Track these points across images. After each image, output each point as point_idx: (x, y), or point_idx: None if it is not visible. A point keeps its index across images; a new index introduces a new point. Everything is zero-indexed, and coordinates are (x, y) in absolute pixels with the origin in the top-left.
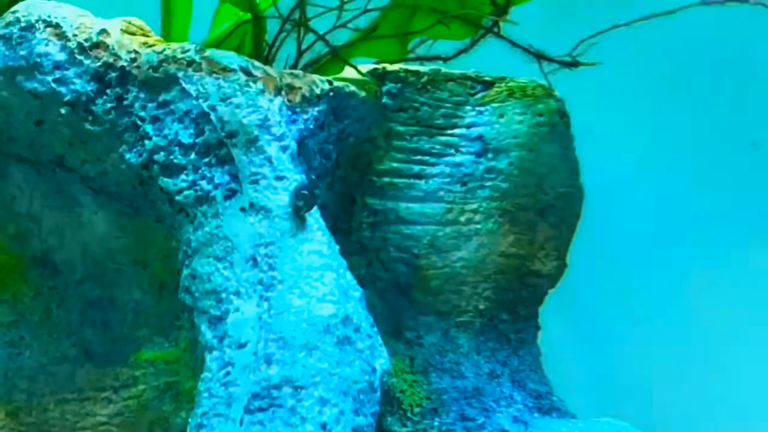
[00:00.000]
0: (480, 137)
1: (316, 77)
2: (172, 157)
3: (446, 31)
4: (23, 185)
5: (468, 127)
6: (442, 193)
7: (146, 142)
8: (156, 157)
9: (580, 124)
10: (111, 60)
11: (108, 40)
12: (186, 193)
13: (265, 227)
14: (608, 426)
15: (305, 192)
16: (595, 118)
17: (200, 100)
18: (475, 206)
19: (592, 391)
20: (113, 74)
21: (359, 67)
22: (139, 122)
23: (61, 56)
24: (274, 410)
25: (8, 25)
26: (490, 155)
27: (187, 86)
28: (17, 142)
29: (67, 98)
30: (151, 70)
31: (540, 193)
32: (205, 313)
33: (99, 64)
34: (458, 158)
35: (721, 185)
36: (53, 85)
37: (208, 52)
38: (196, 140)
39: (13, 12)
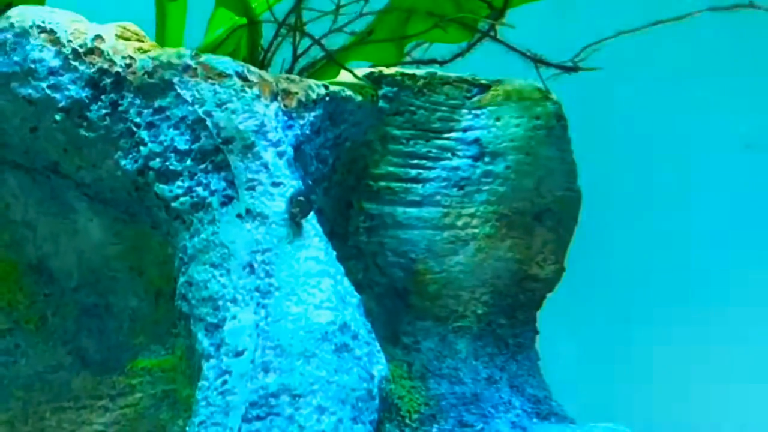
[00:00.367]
0: (477, 141)
1: (312, 82)
2: (167, 163)
3: (443, 35)
4: (18, 192)
5: (465, 130)
6: (439, 197)
7: (142, 148)
8: (152, 163)
9: (577, 126)
10: (106, 66)
11: (103, 46)
12: (182, 199)
13: (262, 234)
14: (607, 431)
15: (302, 198)
16: (593, 120)
17: (196, 106)
18: (472, 210)
19: (591, 396)
20: (108, 80)
21: (355, 71)
22: (134, 128)
23: (56, 62)
24: (272, 419)
25: (2, 30)
26: (487, 159)
27: (182, 92)
28: (12, 148)
29: (61, 104)
30: (146, 76)
31: (537, 197)
32: (201, 320)
33: (94, 69)
34: (455, 162)
35: (717, 187)
36: (48, 91)
37: (204, 58)
38: (192, 146)
39: (7, 17)
